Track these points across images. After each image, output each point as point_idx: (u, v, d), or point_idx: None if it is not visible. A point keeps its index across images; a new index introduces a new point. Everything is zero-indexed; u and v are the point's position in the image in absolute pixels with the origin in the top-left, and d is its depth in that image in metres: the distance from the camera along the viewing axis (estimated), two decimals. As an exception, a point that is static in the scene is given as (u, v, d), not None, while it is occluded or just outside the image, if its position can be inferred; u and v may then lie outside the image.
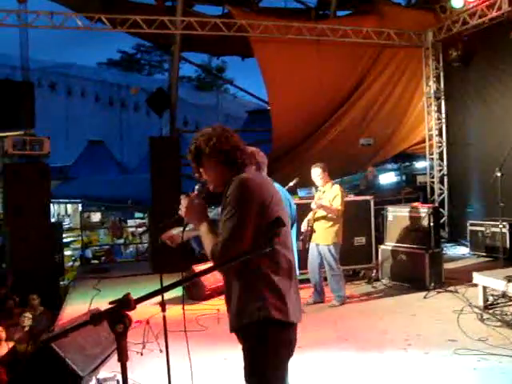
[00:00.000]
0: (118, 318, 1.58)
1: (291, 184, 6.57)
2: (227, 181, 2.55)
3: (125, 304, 1.60)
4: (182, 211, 2.62)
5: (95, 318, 1.59)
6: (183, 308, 3.15)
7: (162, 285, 2.70)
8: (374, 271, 8.17)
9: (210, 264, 7.36)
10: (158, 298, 3.49)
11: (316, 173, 6.75)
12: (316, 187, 7.16)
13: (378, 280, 7.98)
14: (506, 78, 9.93)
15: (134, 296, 1.82)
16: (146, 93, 12.38)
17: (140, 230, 15.44)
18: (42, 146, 9.65)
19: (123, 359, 1.56)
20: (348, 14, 12.92)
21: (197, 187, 2.70)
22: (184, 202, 2.62)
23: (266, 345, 2.43)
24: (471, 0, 10.13)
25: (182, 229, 2.81)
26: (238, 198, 2.45)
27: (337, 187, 6.77)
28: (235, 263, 2.34)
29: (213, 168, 2.59)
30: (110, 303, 1.63)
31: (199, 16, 10.95)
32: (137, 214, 18.73)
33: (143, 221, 16.28)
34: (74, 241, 16.09)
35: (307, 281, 6.99)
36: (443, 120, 12.03)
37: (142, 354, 5.24)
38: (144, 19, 9.91)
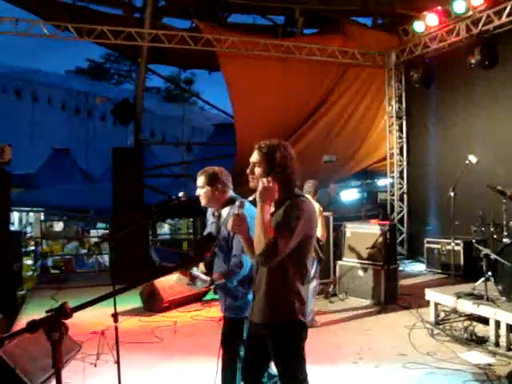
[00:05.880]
0: (54, 325, 1.64)
1: (251, 198, 6.66)
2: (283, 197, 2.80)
3: (61, 312, 1.66)
4: (258, 192, 2.77)
5: (31, 326, 1.65)
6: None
7: (114, 298, 2.75)
8: (332, 286, 8.27)
9: (169, 276, 7.23)
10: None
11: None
12: None
13: (335, 295, 8.10)
14: (463, 101, 10.27)
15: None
16: (112, 102, 12.34)
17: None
18: (3, 153, 9.50)
19: (58, 365, 1.61)
20: (314, 32, 13.17)
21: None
22: (262, 182, 2.77)
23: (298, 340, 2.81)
24: (432, 25, 10.49)
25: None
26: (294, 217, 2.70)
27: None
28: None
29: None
30: (47, 311, 1.69)
31: (167, 29, 11.01)
32: (99, 225, 18.53)
33: (106, 231, 16.12)
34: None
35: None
36: (404, 139, 12.33)
37: (95, 366, 5.22)
38: (111, 30, 9.91)
